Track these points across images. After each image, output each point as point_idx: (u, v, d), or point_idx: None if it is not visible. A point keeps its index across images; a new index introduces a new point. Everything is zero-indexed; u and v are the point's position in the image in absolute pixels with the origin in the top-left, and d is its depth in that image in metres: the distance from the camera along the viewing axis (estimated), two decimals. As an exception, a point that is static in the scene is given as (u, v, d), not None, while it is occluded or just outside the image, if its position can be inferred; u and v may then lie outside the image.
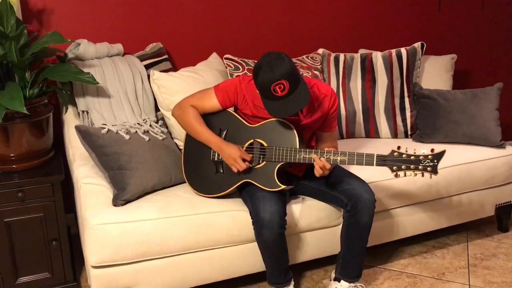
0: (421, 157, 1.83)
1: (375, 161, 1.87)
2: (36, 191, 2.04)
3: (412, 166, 1.84)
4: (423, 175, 1.85)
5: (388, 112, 2.79)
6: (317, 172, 1.92)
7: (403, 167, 1.85)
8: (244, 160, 1.96)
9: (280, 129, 1.97)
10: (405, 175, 1.86)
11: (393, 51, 2.79)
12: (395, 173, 1.86)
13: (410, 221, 2.44)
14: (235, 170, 1.97)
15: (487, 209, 2.65)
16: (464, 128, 2.63)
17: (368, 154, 1.88)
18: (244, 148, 2.01)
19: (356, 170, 2.20)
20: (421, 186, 2.38)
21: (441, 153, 1.83)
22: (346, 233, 2.08)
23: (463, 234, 2.76)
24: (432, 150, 1.84)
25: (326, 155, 1.91)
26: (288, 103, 1.82)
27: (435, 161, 1.82)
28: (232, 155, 1.96)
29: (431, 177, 1.85)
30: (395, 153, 1.86)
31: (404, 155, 1.85)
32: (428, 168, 1.83)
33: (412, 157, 1.84)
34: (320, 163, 1.89)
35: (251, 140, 2.01)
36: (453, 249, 2.61)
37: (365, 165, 1.89)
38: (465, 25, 3.42)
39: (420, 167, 1.83)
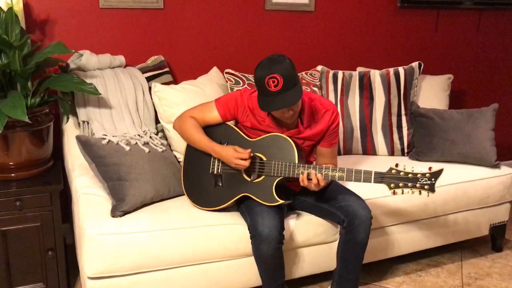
0: (418, 175, 1.85)
1: (373, 178, 1.89)
2: (34, 200, 2.04)
3: (409, 184, 1.86)
4: (420, 193, 1.86)
5: (385, 130, 2.82)
6: (302, 183, 1.93)
7: (400, 184, 1.86)
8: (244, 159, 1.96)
9: (279, 143, 1.99)
10: (402, 193, 1.87)
11: (391, 70, 2.83)
12: (392, 191, 1.87)
13: (405, 239, 2.45)
14: (241, 168, 1.99)
15: (481, 228, 2.67)
16: (460, 147, 2.66)
17: (366, 171, 1.90)
18: None
19: (352, 186, 2.21)
20: (416, 204, 2.40)
21: (439, 172, 1.85)
22: (342, 250, 2.08)
23: (458, 253, 2.78)
24: (430, 168, 1.86)
25: (325, 171, 1.92)
26: (277, 99, 1.84)
27: (433, 179, 1.84)
28: (229, 158, 1.98)
29: (428, 195, 1.86)
30: (393, 171, 1.88)
31: (402, 173, 1.87)
32: (426, 186, 1.84)
33: (409, 175, 1.86)
34: (315, 180, 1.90)
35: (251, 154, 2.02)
36: (448, 268, 2.62)
37: (363, 181, 1.90)
38: (461, 46, 3.47)
39: (417, 185, 1.85)
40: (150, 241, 1.91)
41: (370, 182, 1.89)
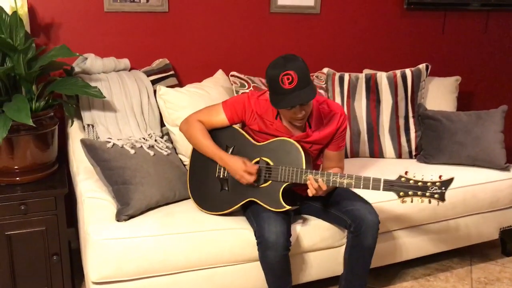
0: (428, 184, 1.81)
1: (382, 186, 1.85)
2: (39, 205, 2.03)
3: (419, 193, 1.82)
4: (430, 202, 1.83)
5: (392, 132, 2.79)
6: (311, 192, 1.90)
7: (410, 193, 1.83)
8: (251, 174, 1.94)
9: (286, 148, 1.96)
10: (411, 201, 1.83)
11: (398, 72, 2.81)
12: (401, 199, 1.84)
13: (413, 243, 2.42)
14: (243, 183, 1.96)
15: (491, 232, 2.63)
16: (469, 149, 2.63)
17: (375, 178, 1.86)
18: None
19: (360, 190, 2.17)
20: (425, 208, 2.36)
21: (449, 181, 1.81)
22: (349, 255, 2.06)
23: (467, 258, 2.74)
24: (440, 176, 1.82)
25: (333, 177, 1.89)
26: (291, 96, 1.81)
27: (443, 188, 1.80)
28: (237, 170, 1.95)
29: (438, 204, 1.82)
30: (403, 179, 1.84)
31: (411, 181, 1.83)
32: (436, 195, 1.81)
33: (419, 183, 1.82)
34: (315, 184, 1.88)
35: (257, 159, 2.00)
36: (457, 273, 2.59)
37: (371, 189, 1.87)
38: (469, 47, 3.44)
39: (427, 193, 1.81)
40: (155, 246, 1.89)
41: (379, 190, 1.85)
